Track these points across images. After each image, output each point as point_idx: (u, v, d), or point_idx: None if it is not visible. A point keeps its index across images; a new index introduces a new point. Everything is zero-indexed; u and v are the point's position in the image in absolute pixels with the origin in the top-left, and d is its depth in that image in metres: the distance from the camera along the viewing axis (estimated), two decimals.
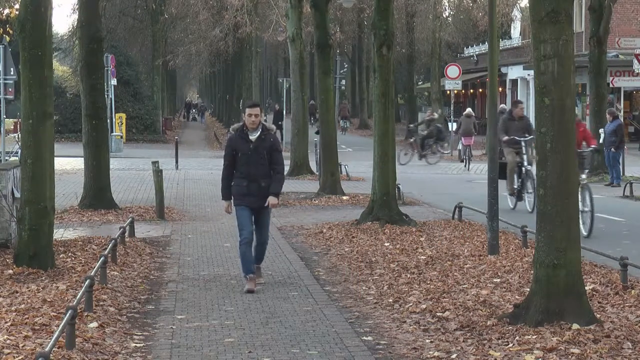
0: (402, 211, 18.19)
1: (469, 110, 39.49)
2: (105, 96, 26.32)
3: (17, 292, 10.85)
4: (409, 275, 12.41)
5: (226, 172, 11.83)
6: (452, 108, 48.00)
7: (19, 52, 13.11)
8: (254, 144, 11.63)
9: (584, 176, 16.71)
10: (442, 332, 9.30)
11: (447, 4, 58.28)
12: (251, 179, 11.65)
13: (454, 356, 8.43)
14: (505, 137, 19.61)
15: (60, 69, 65.09)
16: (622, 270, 11.39)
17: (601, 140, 27.52)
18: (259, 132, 11.65)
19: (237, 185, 11.75)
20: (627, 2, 45.16)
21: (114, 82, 39.81)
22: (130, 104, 50.41)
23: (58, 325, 8.35)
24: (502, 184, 17.00)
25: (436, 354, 8.55)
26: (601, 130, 28.57)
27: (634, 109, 48.68)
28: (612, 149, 27.35)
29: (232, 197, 11.83)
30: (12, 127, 40.42)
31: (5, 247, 13.64)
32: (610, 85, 39.93)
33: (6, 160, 22.93)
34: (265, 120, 12.48)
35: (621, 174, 27.90)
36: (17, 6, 21.68)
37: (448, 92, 50.60)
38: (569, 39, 9.36)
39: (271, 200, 11.74)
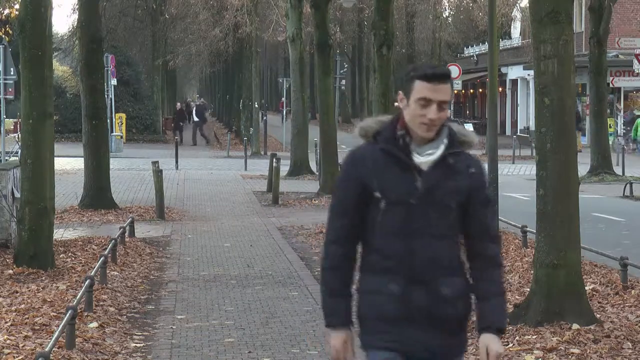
0: None
1: None
2: (105, 96, 26.31)
3: (17, 292, 10.85)
4: None
5: (339, 248, 4.36)
6: (452, 108, 48.00)
7: (19, 52, 13.12)
8: (427, 179, 4.26)
9: None
10: None
11: (447, 4, 58.38)
12: (414, 275, 4.24)
13: None
14: None
15: (60, 69, 65.01)
16: (622, 270, 11.39)
17: None
18: (441, 148, 4.29)
19: (370, 291, 4.29)
20: (627, 2, 45.16)
21: (114, 82, 39.80)
22: (130, 104, 50.39)
23: (58, 325, 8.34)
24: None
25: None
26: None
27: (630, 109, 48.66)
28: None
29: (359, 325, 4.36)
30: (12, 127, 40.43)
31: (5, 247, 13.64)
32: (610, 85, 39.96)
33: (6, 160, 22.93)
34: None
35: None
36: (17, 6, 21.68)
37: None
38: (569, 39, 9.37)
39: (491, 345, 4.26)
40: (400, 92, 4.27)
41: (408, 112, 4.25)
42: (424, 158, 4.24)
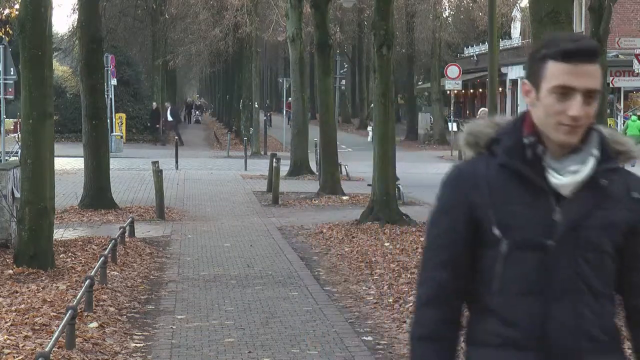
0: (402, 211, 18.21)
1: None
2: (105, 96, 26.31)
3: (17, 292, 10.85)
4: (409, 275, 12.41)
5: (438, 311, 2.96)
6: (452, 108, 47.97)
7: (19, 52, 13.12)
8: (570, 210, 2.85)
9: None
10: None
11: (447, 4, 58.36)
12: (550, 350, 2.86)
13: None
14: None
15: (60, 69, 65.03)
16: None
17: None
18: (589, 164, 2.84)
19: None
20: (627, 2, 45.16)
21: (114, 82, 39.81)
22: (130, 104, 50.37)
23: (58, 325, 8.34)
24: None
25: None
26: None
27: (629, 109, 48.70)
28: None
29: None
30: (12, 127, 40.44)
31: (5, 247, 13.65)
32: (610, 85, 39.98)
33: (6, 160, 22.94)
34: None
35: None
36: (17, 6, 21.68)
37: (448, 92, 50.66)
38: None
39: None
40: (525, 81, 2.91)
41: (539, 108, 2.86)
42: (566, 178, 2.84)
